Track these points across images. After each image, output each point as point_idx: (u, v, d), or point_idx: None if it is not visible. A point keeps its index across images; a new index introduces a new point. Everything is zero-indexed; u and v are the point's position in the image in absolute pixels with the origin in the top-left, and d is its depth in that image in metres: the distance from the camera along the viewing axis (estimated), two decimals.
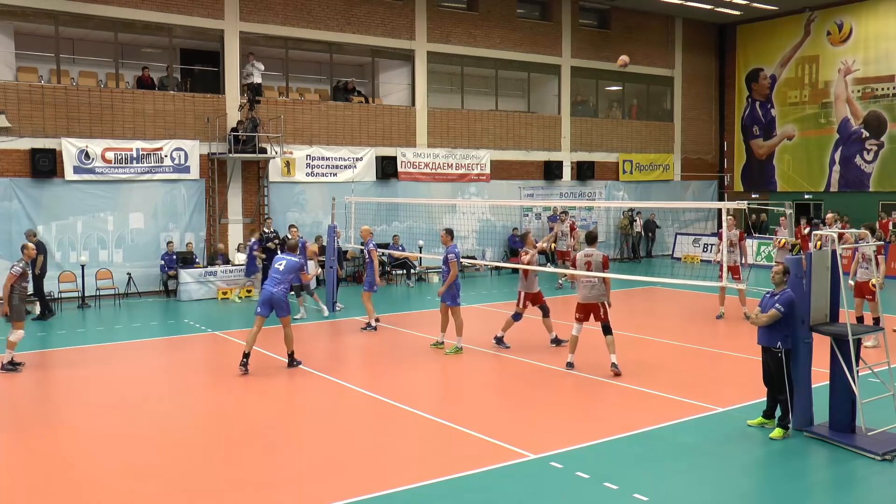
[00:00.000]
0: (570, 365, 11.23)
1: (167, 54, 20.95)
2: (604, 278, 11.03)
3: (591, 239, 11.43)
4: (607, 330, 10.99)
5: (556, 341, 12.66)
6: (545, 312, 12.70)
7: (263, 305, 11.45)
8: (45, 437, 8.64)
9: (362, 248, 15.47)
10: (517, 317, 12.66)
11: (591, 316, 11.10)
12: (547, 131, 26.68)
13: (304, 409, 9.76)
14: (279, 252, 19.40)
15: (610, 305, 11.17)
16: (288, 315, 11.53)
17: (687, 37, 30.31)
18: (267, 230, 19.42)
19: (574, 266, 11.26)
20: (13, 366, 11.43)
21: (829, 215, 16.82)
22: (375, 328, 14.52)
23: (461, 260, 12.86)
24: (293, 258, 11.80)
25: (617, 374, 10.74)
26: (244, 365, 11.11)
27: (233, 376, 11.01)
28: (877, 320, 11.56)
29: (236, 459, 7.75)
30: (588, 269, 11.04)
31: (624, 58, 14.86)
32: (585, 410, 9.58)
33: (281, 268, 11.59)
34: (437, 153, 23.98)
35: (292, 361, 11.56)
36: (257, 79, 20.28)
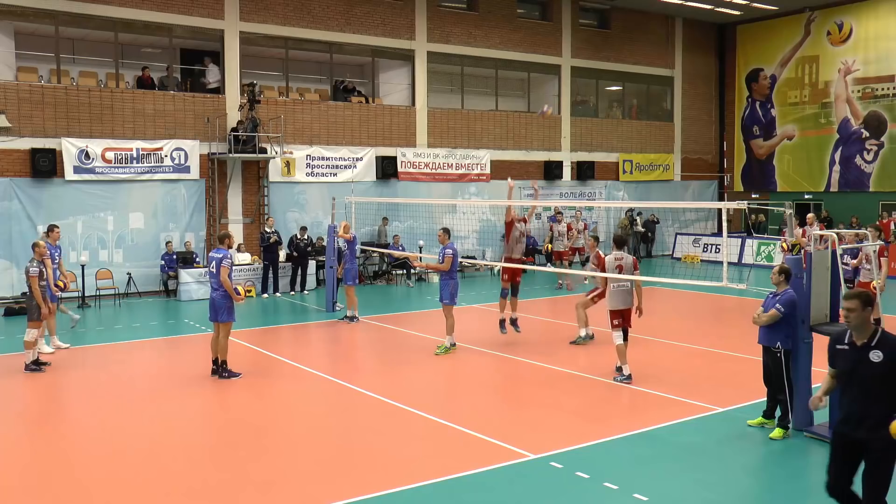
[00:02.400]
0: (629, 378, 10.47)
1: (167, 54, 20.94)
2: (635, 282, 10.68)
3: (621, 242, 11.06)
4: (625, 335, 10.62)
5: (503, 324, 12.93)
6: (514, 291, 12.95)
7: (210, 310, 11.06)
8: (46, 437, 8.64)
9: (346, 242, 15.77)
10: (504, 293, 12.96)
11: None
12: (547, 131, 26.68)
13: (304, 409, 9.75)
14: (280, 251, 19.73)
15: (641, 313, 10.80)
16: (228, 321, 10.90)
17: (687, 37, 30.31)
18: (268, 229, 19.52)
19: (602, 269, 11.00)
20: (37, 366, 11.41)
21: (810, 215, 16.89)
22: (357, 319, 15.26)
23: (459, 260, 12.93)
24: (218, 254, 10.97)
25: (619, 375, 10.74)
26: (214, 372, 10.98)
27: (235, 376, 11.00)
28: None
29: (236, 459, 7.75)
30: (620, 273, 10.57)
31: (546, 109, 13.93)
32: (585, 410, 9.57)
33: (213, 269, 10.92)
34: (437, 153, 23.98)
35: (223, 372, 10.89)
36: (213, 77, 20.60)
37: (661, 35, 29.62)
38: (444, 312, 12.50)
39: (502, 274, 13.00)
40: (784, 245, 15.68)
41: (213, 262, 10.96)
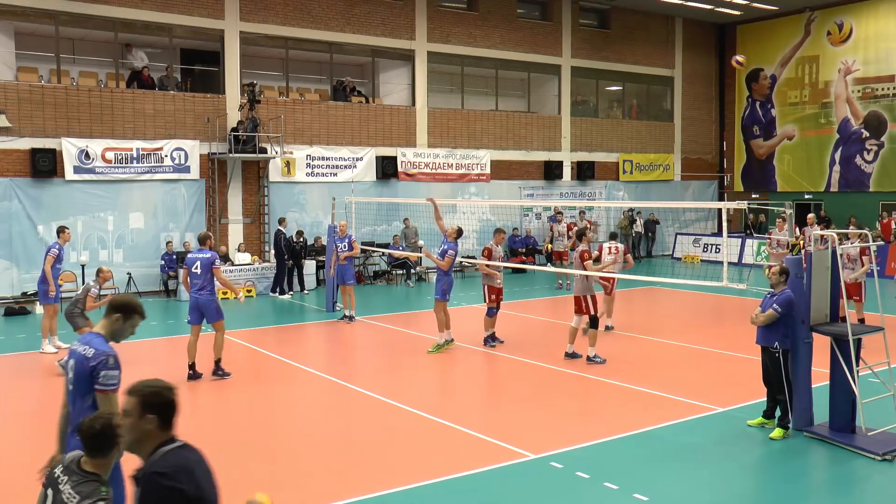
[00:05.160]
0: (567, 355, 11.69)
1: (167, 54, 20.94)
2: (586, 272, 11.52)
3: (577, 236, 12.19)
4: (592, 323, 11.48)
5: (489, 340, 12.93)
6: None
7: (192, 312, 10.82)
8: (47, 437, 8.63)
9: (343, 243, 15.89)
10: (492, 312, 12.97)
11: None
12: (547, 131, 26.68)
13: (304, 409, 9.76)
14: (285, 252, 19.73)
15: (611, 294, 11.70)
16: (220, 320, 10.78)
17: (687, 37, 30.30)
18: (283, 229, 19.59)
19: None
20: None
21: (810, 216, 16.98)
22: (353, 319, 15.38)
23: (457, 259, 13.00)
24: (204, 255, 10.78)
25: (589, 361, 11.41)
26: (191, 377, 10.78)
27: (232, 376, 11.00)
28: (861, 321, 11.71)
29: (236, 459, 7.74)
30: (576, 265, 11.65)
31: (738, 59, 14.18)
32: (585, 410, 9.58)
33: (198, 270, 10.69)
34: (437, 153, 23.98)
35: (217, 370, 10.82)
36: (139, 64, 20.17)
37: (661, 35, 29.61)
38: (435, 308, 12.58)
39: (489, 294, 12.93)
40: (769, 248, 15.80)
41: (198, 263, 10.71)
